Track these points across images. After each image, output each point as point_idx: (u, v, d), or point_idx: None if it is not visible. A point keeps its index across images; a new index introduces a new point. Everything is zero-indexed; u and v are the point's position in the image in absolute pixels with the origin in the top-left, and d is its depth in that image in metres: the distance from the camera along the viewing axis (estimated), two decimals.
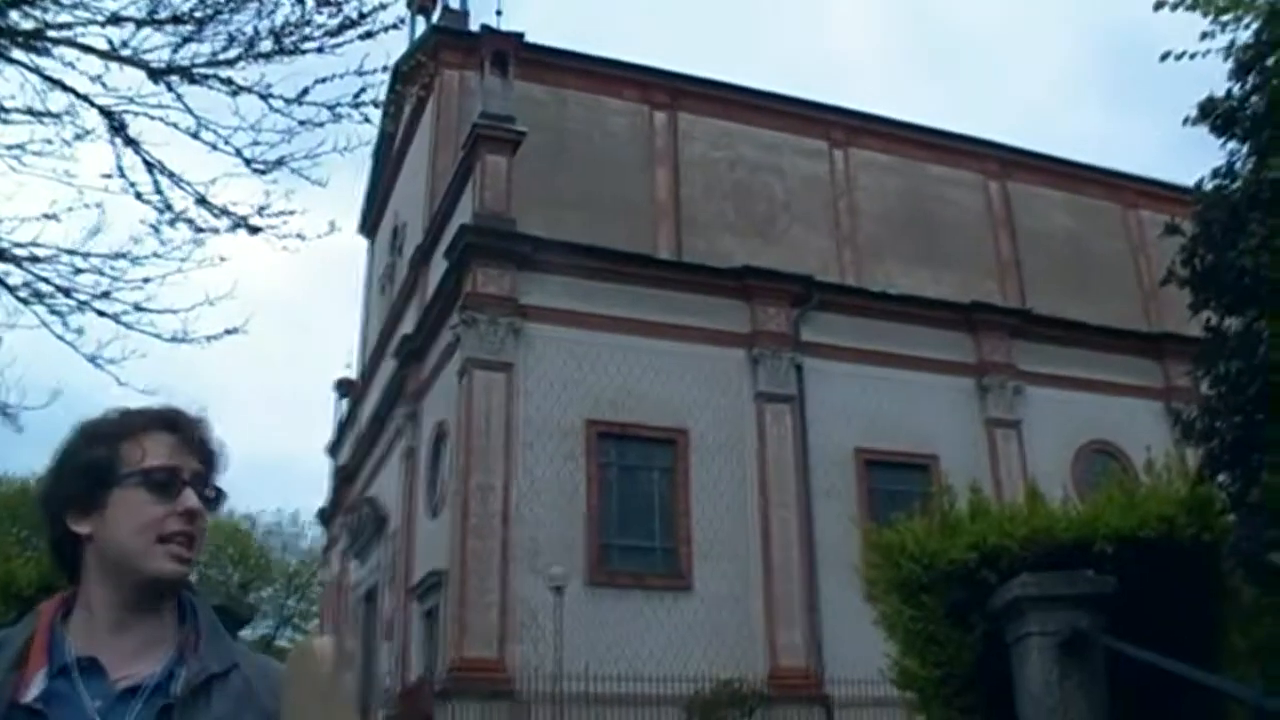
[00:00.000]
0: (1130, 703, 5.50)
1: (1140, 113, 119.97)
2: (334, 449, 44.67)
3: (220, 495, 1.93)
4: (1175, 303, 33.86)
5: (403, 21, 9.00)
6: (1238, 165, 6.89)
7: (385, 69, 7.92)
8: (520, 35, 28.44)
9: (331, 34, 7.24)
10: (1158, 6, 9.88)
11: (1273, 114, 6.31)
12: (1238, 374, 6.32)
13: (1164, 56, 10.12)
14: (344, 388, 43.57)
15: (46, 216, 7.73)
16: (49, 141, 7.53)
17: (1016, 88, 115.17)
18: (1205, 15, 9.57)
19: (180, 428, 1.90)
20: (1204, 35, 9.56)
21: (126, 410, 1.93)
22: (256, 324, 8.35)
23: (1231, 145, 7.03)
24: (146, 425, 1.88)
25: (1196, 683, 5.01)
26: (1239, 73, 6.89)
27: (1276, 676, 5.87)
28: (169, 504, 1.82)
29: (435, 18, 32.41)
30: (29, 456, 49.78)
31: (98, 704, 1.72)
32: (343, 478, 40.41)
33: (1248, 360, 6.22)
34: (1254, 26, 9.02)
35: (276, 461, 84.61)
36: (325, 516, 44.71)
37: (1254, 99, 6.74)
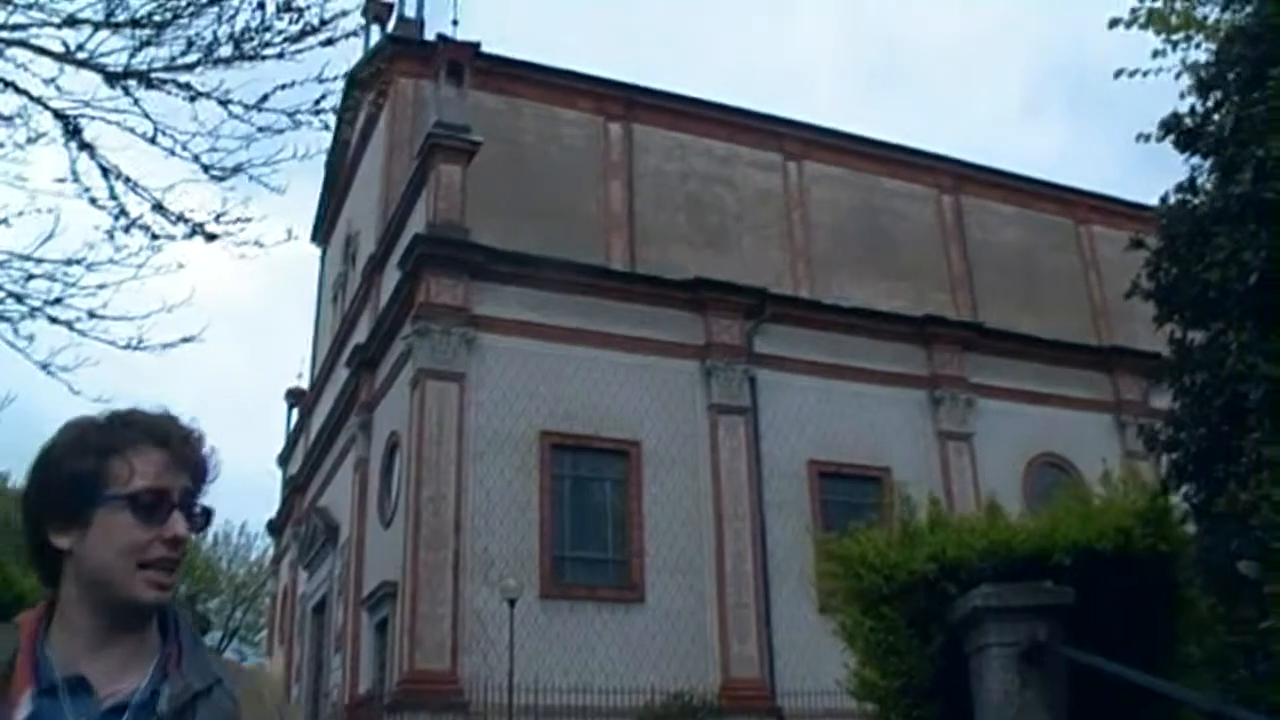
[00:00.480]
0: (1089, 712, 5.54)
1: (1094, 131, 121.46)
2: (284, 459, 44.35)
3: (209, 514, 1.87)
4: (1125, 317, 34.47)
5: (361, 29, 8.95)
6: (1200, 180, 6.98)
7: (340, 77, 7.87)
8: (476, 45, 28.37)
9: (292, 40, 7.18)
10: (1112, 24, 10.03)
11: (1238, 131, 6.40)
12: (1203, 386, 6.39)
13: (1118, 74, 10.29)
14: (295, 397, 43.28)
15: None
16: (0, 144, 7.43)
17: (970, 106, 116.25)
18: (1158, 34, 9.73)
19: (172, 443, 1.83)
20: (1156, 54, 9.72)
21: (117, 418, 1.85)
22: (209, 332, 8.26)
23: (1194, 161, 7.12)
24: (136, 440, 1.81)
25: (1154, 691, 5.05)
26: (1201, 90, 6.98)
27: (1230, 684, 5.94)
28: (154, 528, 1.76)
29: (390, 27, 32.30)
30: None
31: None
32: (293, 488, 40.08)
33: (1214, 372, 6.29)
34: (1207, 45, 9.17)
35: (224, 472, 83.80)
36: (275, 527, 44.35)
37: (1216, 115, 6.84)
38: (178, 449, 1.83)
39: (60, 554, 1.79)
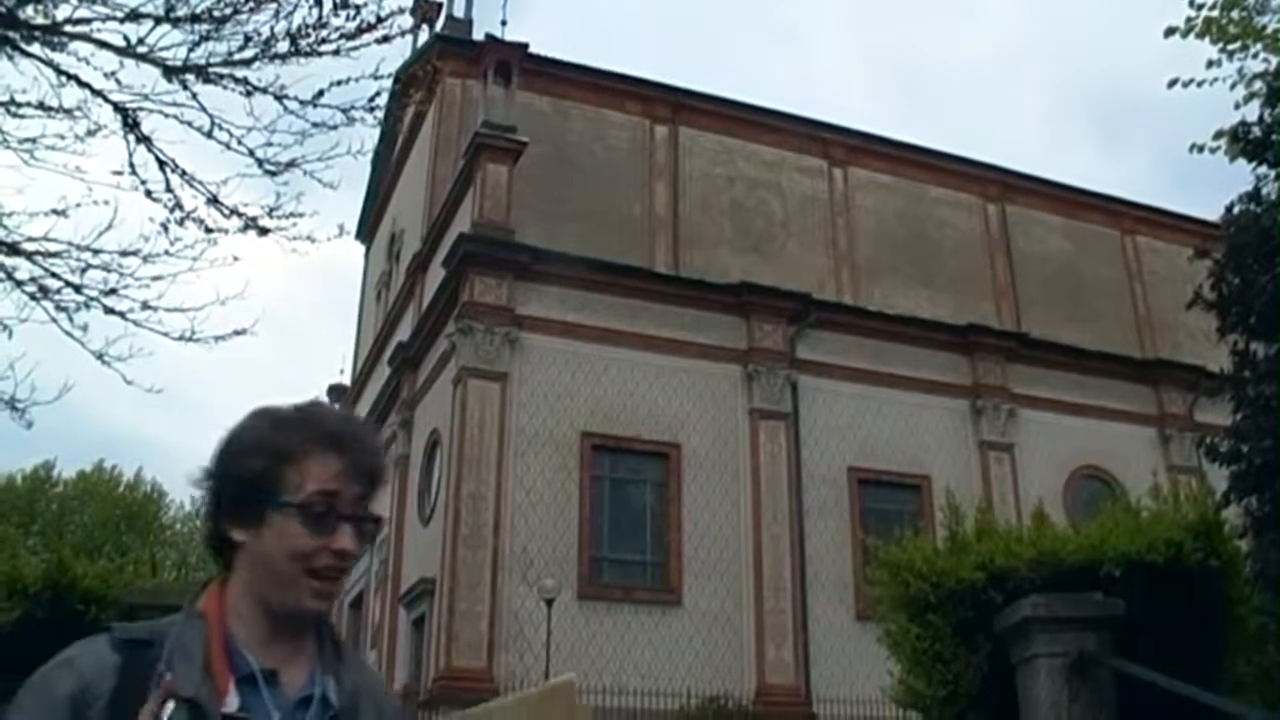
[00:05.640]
0: None
1: (1126, 150, 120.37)
2: None
3: (378, 523, 1.87)
4: (1170, 330, 34.13)
5: (415, 28, 8.99)
6: (1266, 190, 6.90)
7: (389, 76, 7.91)
8: (524, 45, 28.48)
9: (348, 37, 7.21)
10: (1168, 33, 9.95)
11: None
12: (1268, 398, 6.31)
13: (1172, 83, 10.21)
14: (337, 394, 43.48)
15: (56, 212, 7.69)
16: (61, 137, 7.49)
17: (1002, 129, 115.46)
18: (1215, 43, 9.64)
19: (349, 451, 1.81)
20: (1210, 63, 9.64)
21: (300, 417, 1.84)
22: (256, 326, 8.32)
23: (1260, 171, 7.04)
24: (314, 444, 1.79)
25: (1206, 707, 5.00)
26: (1271, 98, 6.90)
27: None
28: (323, 538, 1.76)
29: (439, 26, 32.43)
30: (37, 451, 49.83)
31: (278, 716, 1.71)
32: None
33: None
34: (1265, 55, 9.07)
35: None
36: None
37: None
38: (355, 457, 1.82)
39: (234, 546, 1.81)
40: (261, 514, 1.76)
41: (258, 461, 1.78)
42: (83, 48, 7.12)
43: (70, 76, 7.18)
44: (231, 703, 1.68)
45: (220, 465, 1.83)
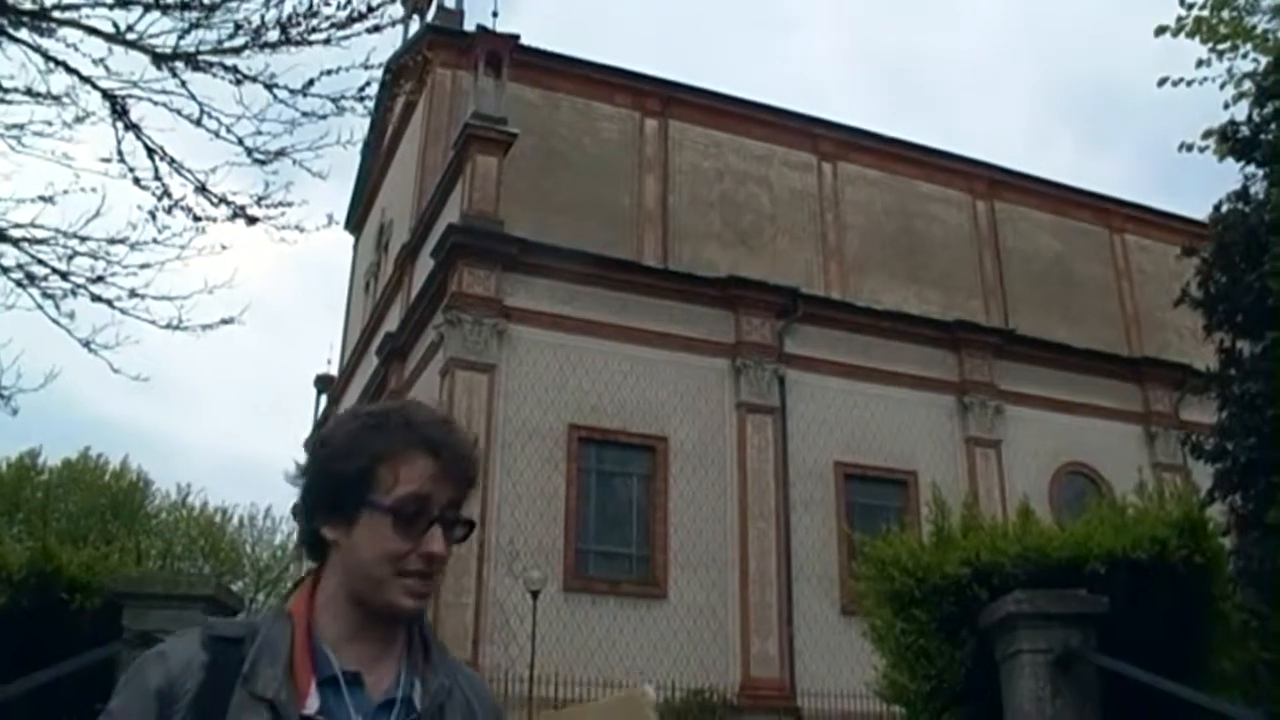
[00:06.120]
0: None
1: (1114, 148, 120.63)
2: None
3: (470, 527, 1.85)
4: (1157, 328, 34.23)
5: (406, 17, 8.96)
6: (1254, 189, 6.93)
7: (379, 66, 7.89)
8: (515, 37, 28.42)
9: (339, 26, 7.20)
10: (1159, 32, 9.97)
11: None
12: (1255, 396, 6.34)
13: (1162, 82, 10.24)
14: (324, 384, 43.43)
15: (43, 199, 7.68)
16: (49, 123, 7.48)
17: (990, 126, 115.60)
18: (1205, 43, 9.67)
19: (444, 454, 1.80)
20: (1200, 63, 9.67)
21: (395, 417, 1.82)
22: (241, 315, 8.31)
23: (1248, 170, 7.06)
24: (408, 446, 1.78)
25: (1189, 704, 5.02)
26: (1260, 98, 6.92)
27: (1271, 699, 5.90)
28: (413, 540, 1.75)
29: (430, 16, 32.36)
30: (23, 438, 49.72)
31: (359, 719, 1.70)
32: None
33: (1266, 382, 6.24)
34: (1254, 55, 9.10)
35: (252, 456, 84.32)
36: (299, 512, 44.45)
37: (1274, 125, 6.78)
38: (449, 460, 1.81)
39: (328, 544, 1.80)
40: (354, 514, 1.76)
41: (351, 462, 1.77)
42: (71, 34, 7.10)
43: (58, 63, 7.16)
44: (312, 705, 1.68)
45: (314, 464, 1.83)
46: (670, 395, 26.53)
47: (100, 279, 7.71)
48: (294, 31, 7.17)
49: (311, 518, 1.82)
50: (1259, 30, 9.26)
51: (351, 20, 7.20)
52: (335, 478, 1.78)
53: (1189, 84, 9.74)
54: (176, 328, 7.76)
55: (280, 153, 7.64)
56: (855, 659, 18.04)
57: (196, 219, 7.74)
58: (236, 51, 7.22)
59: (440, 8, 32.43)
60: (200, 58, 7.22)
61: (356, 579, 1.77)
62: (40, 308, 7.69)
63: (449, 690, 1.79)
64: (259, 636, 1.73)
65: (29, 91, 7.29)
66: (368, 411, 1.87)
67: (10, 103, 7.37)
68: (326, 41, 7.30)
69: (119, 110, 7.38)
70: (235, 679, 1.67)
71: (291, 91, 7.36)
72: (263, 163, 7.63)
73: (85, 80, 7.27)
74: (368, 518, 1.75)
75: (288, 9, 7.12)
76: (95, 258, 7.73)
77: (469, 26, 30.27)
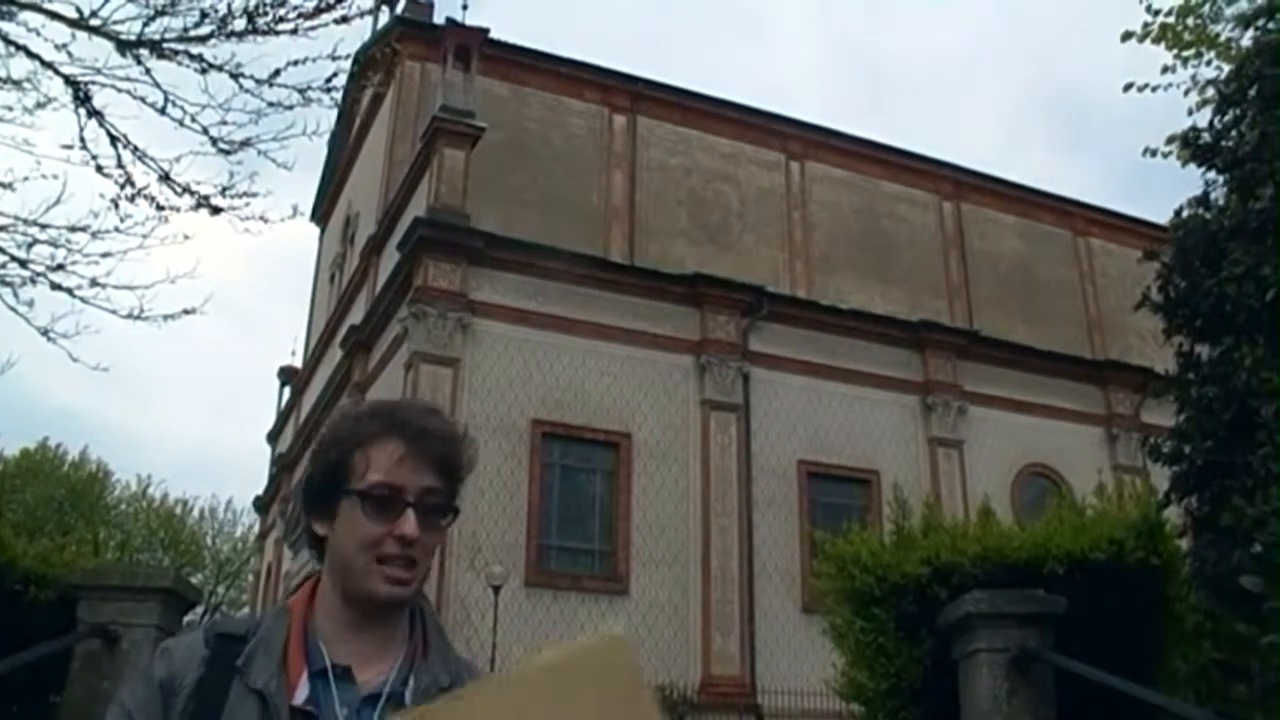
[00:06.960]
0: None
1: (1080, 153, 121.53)
2: (274, 437, 44.30)
3: (454, 512, 1.86)
4: (1120, 331, 34.49)
5: (375, 8, 8.93)
6: (1214, 195, 7.00)
7: (347, 57, 7.85)
8: (485, 31, 28.33)
9: (306, 16, 7.16)
10: (1125, 38, 10.05)
11: (1260, 147, 6.41)
12: (1211, 399, 6.40)
13: (1127, 88, 10.32)
14: (287, 375, 43.20)
15: (2, 185, 7.61)
16: (9, 108, 7.42)
17: (957, 128, 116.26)
18: (1170, 49, 9.75)
19: (415, 437, 1.81)
20: (1165, 69, 9.75)
21: (373, 409, 1.86)
22: (204, 305, 8.26)
23: (1209, 176, 7.13)
24: (379, 433, 1.81)
25: (1142, 702, 5.07)
26: (1221, 105, 7.00)
27: (1220, 698, 5.97)
28: (387, 524, 1.76)
29: (399, 8, 32.20)
30: None
31: (345, 712, 1.72)
32: (282, 466, 40.00)
33: (1224, 386, 6.30)
34: (1218, 62, 9.20)
35: (212, 448, 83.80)
36: (261, 505, 44.29)
37: (1235, 131, 6.85)
38: (422, 444, 1.81)
39: (321, 540, 1.84)
40: (335, 506, 1.80)
41: (334, 452, 1.82)
42: (33, 18, 7.04)
43: (19, 47, 7.09)
44: (300, 696, 1.71)
45: (309, 462, 1.88)
46: (634, 392, 26.52)
47: (60, 267, 7.65)
48: (261, 21, 7.14)
49: (308, 516, 1.86)
50: (1222, 38, 9.37)
51: (319, 10, 7.17)
52: (321, 469, 1.82)
53: (1154, 90, 9.84)
54: (138, 317, 7.71)
55: (245, 143, 7.59)
56: (816, 657, 18.07)
57: (160, 208, 7.69)
58: (202, 40, 7.17)
59: (410, 0, 32.29)
60: (165, 45, 7.16)
61: (341, 570, 1.80)
62: None
63: (442, 686, 1.78)
64: (259, 632, 1.78)
65: None
66: (354, 407, 1.92)
67: None
68: (294, 31, 7.26)
69: (82, 97, 7.32)
70: (234, 672, 1.72)
71: (258, 81, 7.32)
72: (227, 153, 7.59)
73: (47, 66, 7.20)
74: (345, 507, 1.78)
75: None
76: (55, 245, 7.67)
77: (438, 19, 30.19)
